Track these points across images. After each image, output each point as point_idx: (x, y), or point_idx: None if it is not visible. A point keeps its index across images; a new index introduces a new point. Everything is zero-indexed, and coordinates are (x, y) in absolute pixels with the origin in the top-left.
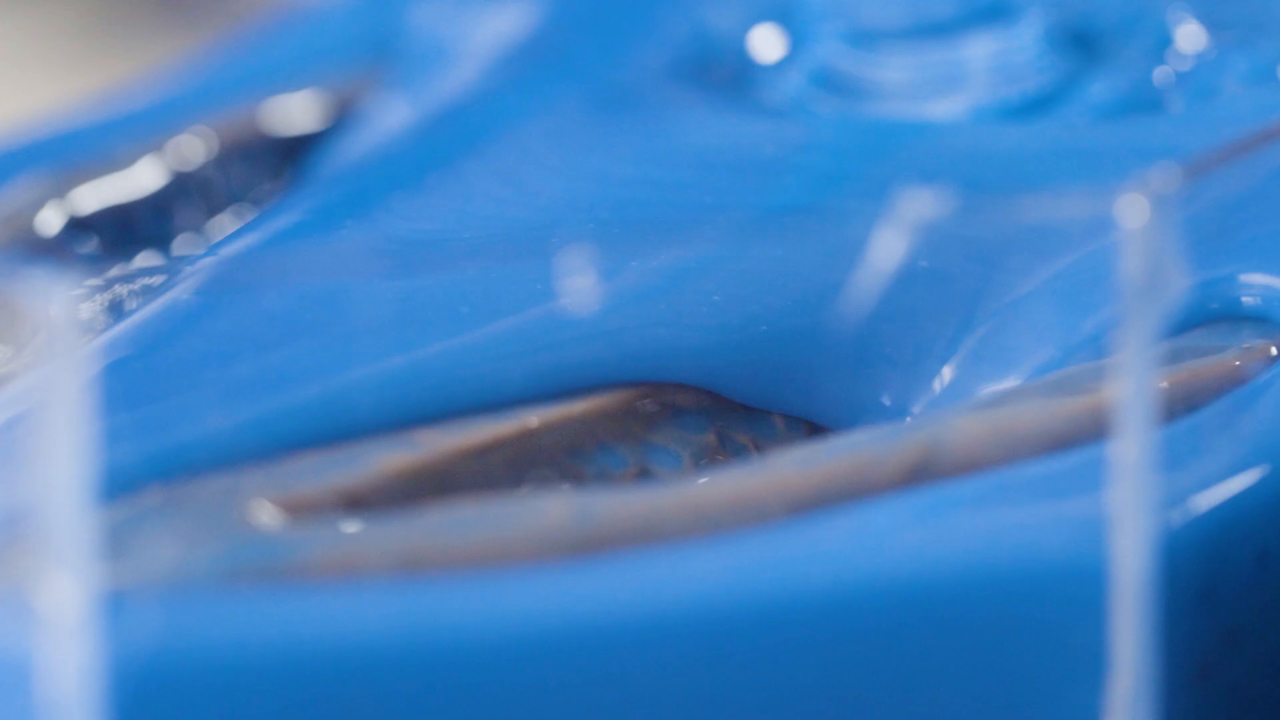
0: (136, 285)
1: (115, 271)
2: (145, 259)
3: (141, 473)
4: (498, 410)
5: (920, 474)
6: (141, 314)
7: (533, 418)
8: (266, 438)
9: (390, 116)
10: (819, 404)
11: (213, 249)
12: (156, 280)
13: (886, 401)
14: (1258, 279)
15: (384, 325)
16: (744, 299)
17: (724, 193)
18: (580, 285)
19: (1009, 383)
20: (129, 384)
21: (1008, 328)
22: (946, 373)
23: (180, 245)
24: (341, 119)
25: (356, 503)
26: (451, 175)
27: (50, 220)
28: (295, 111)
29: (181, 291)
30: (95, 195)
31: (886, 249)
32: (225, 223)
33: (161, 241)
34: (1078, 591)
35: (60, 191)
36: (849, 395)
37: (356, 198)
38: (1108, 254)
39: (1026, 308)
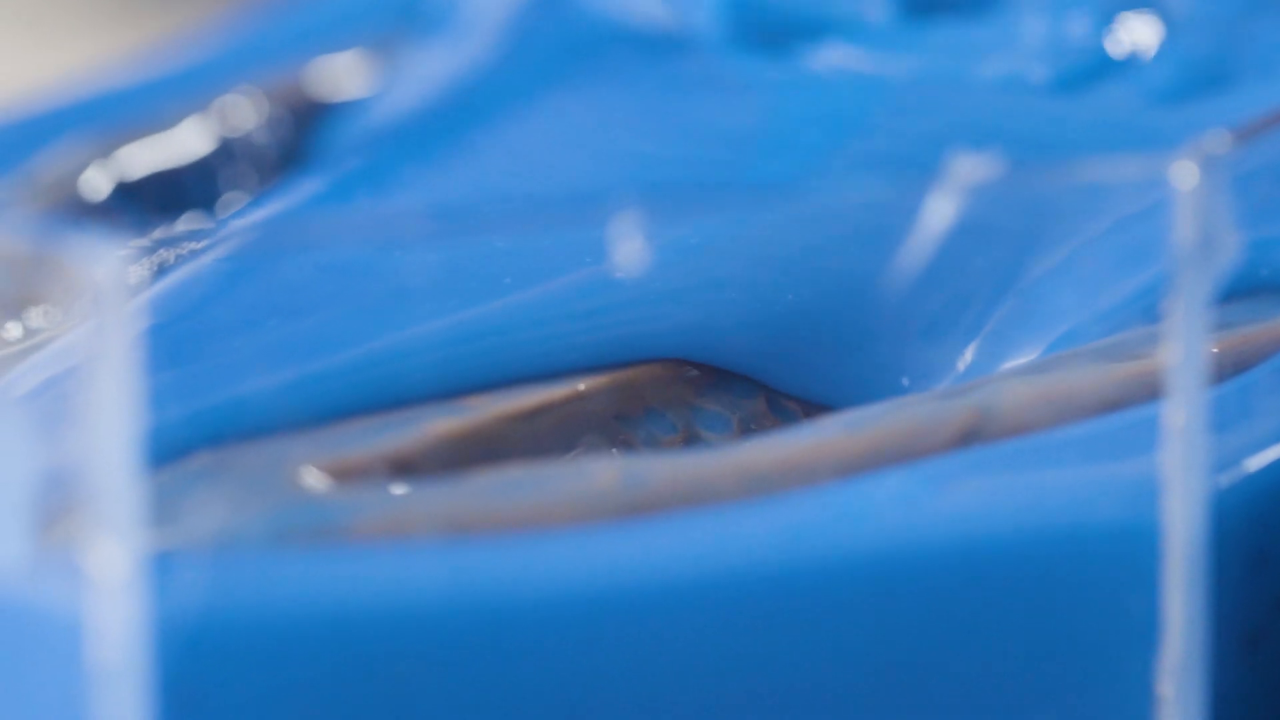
0: (182, 248)
1: (161, 234)
2: (191, 221)
3: (189, 436)
4: (547, 379)
5: (971, 438)
6: (186, 277)
7: (580, 383)
8: (314, 402)
9: (410, 85)
10: (838, 384)
11: (248, 214)
12: (202, 243)
13: (906, 382)
14: None
15: (432, 291)
16: (773, 276)
17: (750, 169)
18: (624, 255)
19: (1028, 358)
20: (176, 347)
21: (1031, 304)
22: (969, 352)
23: (225, 207)
24: (374, 81)
25: (405, 467)
26: (471, 151)
27: (95, 182)
28: (340, 72)
29: (226, 255)
30: (140, 157)
31: (923, 224)
32: (271, 185)
33: (207, 203)
34: (1128, 554)
35: (105, 153)
36: (861, 376)
37: (375, 170)
38: (1133, 226)
39: (1049, 283)
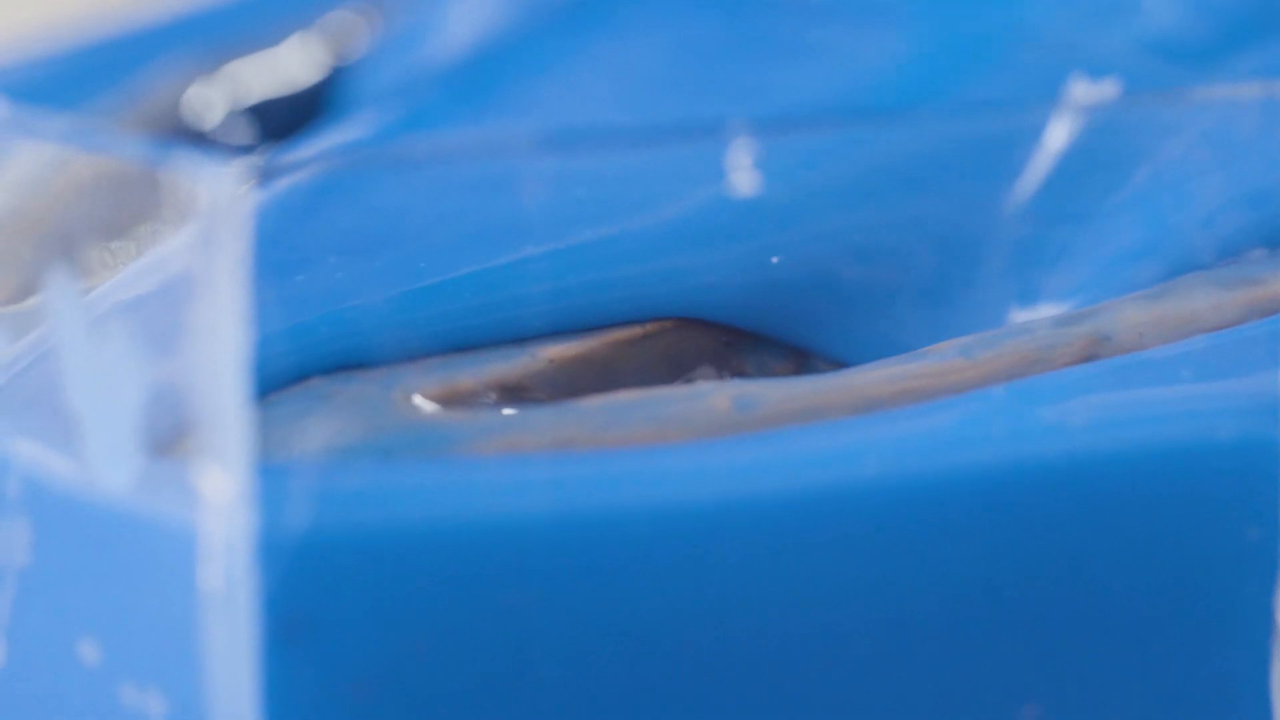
0: (293, 167)
1: (270, 152)
2: (301, 140)
3: (299, 360)
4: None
5: (1088, 364)
6: (296, 197)
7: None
8: (424, 327)
9: (453, 29)
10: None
11: (353, 134)
12: (313, 162)
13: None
14: None
15: (544, 218)
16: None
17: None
18: (740, 183)
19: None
20: (284, 270)
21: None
22: (1081, 278)
23: (334, 127)
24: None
25: (517, 392)
26: (510, 105)
27: (201, 101)
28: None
29: (337, 175)
30: (247, 75)
31: (1035, 154)
32: (373, 106)
33: (315, 121)
34: (1247, 472)
35: (211, 71)
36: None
37: (417, 116)
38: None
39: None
